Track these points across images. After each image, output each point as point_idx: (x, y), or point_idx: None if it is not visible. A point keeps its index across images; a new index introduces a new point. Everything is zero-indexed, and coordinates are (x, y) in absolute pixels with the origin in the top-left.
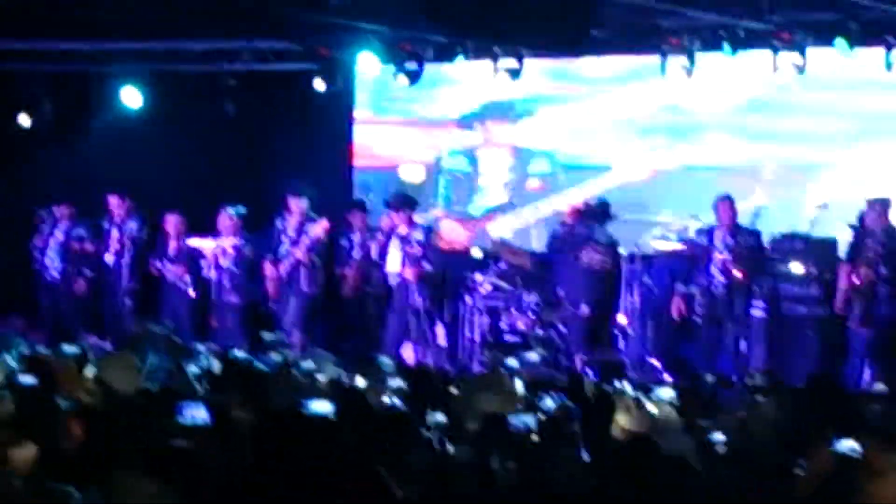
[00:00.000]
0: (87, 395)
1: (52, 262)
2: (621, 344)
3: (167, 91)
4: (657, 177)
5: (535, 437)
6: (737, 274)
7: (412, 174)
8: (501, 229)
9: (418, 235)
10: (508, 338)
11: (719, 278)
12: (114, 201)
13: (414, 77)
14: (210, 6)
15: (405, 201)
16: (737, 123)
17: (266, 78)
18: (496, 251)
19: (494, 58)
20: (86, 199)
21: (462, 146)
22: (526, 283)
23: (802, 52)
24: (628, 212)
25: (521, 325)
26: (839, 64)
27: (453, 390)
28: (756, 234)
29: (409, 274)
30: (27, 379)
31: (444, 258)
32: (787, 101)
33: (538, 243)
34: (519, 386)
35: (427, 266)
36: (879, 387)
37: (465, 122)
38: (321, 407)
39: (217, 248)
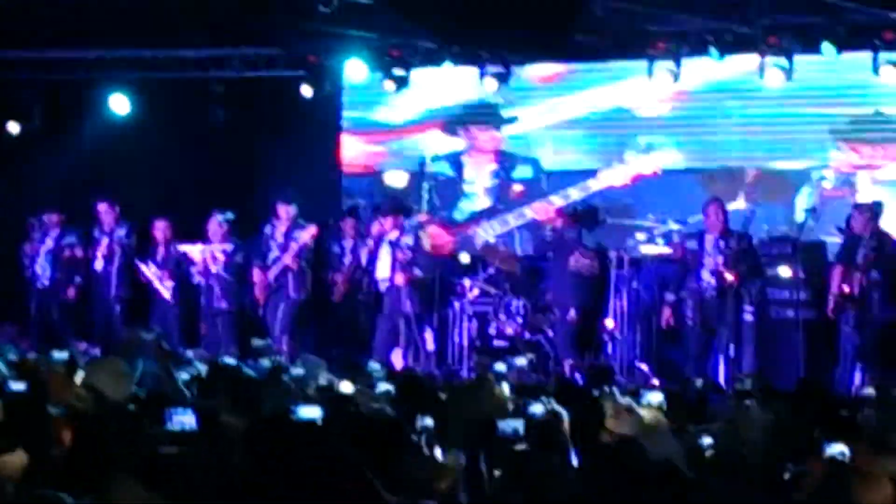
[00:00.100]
0: (78, 401)
1: (43, 270)
2: (609, 349)
3: (156, 98)
4: (638, 181)
5: (523, 443)
6: (729, 278)
7: (396, 179)
8: (485, 234)
9: (408, 241)
10: (497, 342)
11: (711, 282)
12: (103, 208)
13: (401, 83)
14: (198, 14)
15: (394, 206)
16: (719, 126)
17: (254, 85)
18: (485, 256)
19: (482, 63)
20: (75, 205)
21: (446, 151)
22: (514, 287)
23: (789, 57)
24: (610, 216)
25: (509, 330)
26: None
27: (442, 395)
28: (748, 238)
29: (400, 279)
30: (17, 385)
31: (433, 263)
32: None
33: (521, 248)
34: (507, 391)
35: (417, 271)
36: (869, 391)
37: (450, 128)
38: (310, 412)
39: (207, 253)
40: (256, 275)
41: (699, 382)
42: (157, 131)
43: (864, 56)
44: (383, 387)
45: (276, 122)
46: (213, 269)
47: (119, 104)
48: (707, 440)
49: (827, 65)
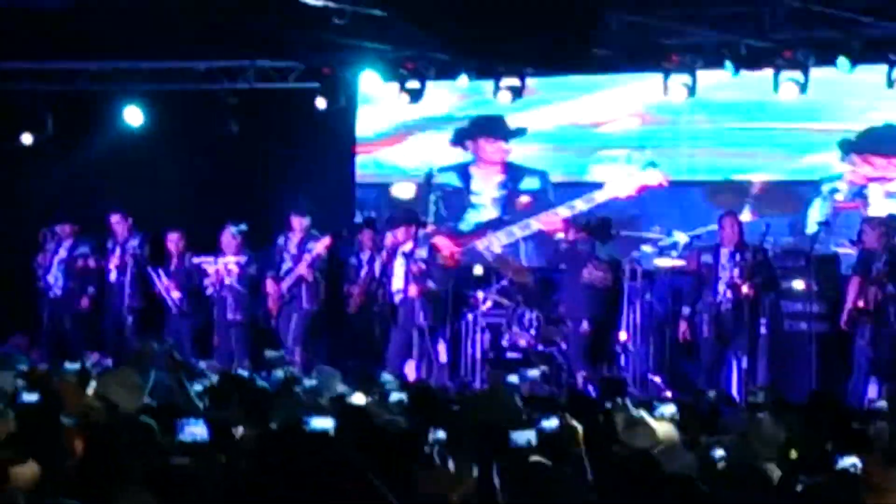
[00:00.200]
0: (90, 411)
1: (56, 281)
2: (623, 361)
3: (169, 110)
4: (644, 193)
5: (536, 454)
6: (745, 290)
7: (403, 191)
8: (491, 245)
9: (422, 253)
10: (510, 354)
11: (727, 296)
12: (115, 219)
13: (416, 96)
14: (212, 25)
15: (406, 218)
16: (723, 138)
17: (268, 96)
18: (498, 267)
19: (497, 76)
20: (88, 217)
21: (454, 162)
22: (527, 299)
23: (805, 71)
24: (616, 228)
25: (522, 342)
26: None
27: (454, 407)
28: (763, 251)
29: (413, 291)
30: (30, 396)
31: (446, 275)
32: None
33: (527, 259)
34: (520, 402)
35: (431, 284)
36: (881, 403)
37: (458, 141)
38: (323, 423)
39: (221, 265)
40: (269, 286)
41: (712, 395)
42: (171, 143)
43: (879, 69)
44: (396, 398)
45: (289, 133)
46: (227, 280)
47: (132, 116)
48: (720, 452)
49: (840, 77)
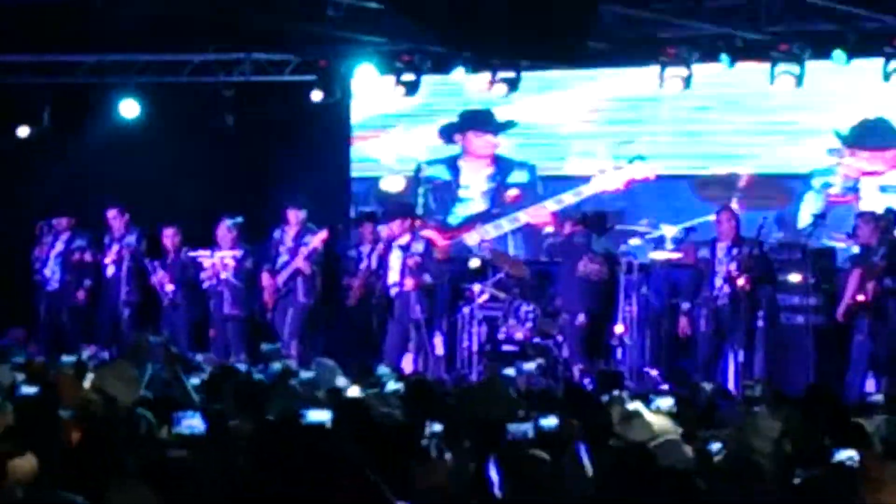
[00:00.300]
0: (87, 404)
1: (53, 274)
2: (619, 354)
3: (165, 103)
4: (631, 186)
5: (533, 447)
6: (741, 282)
7: (392, 184)
8: (479, 238)
9: (418, 247)
10: (506, 347)
11: (724, 290)
12: (112, 214)
13: (411, 89)
14: (208, 18)
15: (402, 210)
16: (713, 131)
17: (264, 89)
18: (494, 261)
19: (493, 69)
20: (84, 209)
21: (442, 155)
22: (523, 292)
23: (801, 64)
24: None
25: (518, 335)
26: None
27: (451, 400)
28: (760, 245)
29: (409, 284)
30: (28, 389)
31: (443, 268)
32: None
33: (514, 252)
34: (516, 395)
35: (427, 277)
36: (878, 397)
37: (446, 134)
38: (319, 416)
39: (217, 260)
40: (265, 279)
41: (709, 388)
42: (167, 136)
43: (874, 62)
44: (393, 389)
45: (285, 126)
46: (223, 274)
47: (128, 108)
48: (716, 446)
49: (835, 70)
